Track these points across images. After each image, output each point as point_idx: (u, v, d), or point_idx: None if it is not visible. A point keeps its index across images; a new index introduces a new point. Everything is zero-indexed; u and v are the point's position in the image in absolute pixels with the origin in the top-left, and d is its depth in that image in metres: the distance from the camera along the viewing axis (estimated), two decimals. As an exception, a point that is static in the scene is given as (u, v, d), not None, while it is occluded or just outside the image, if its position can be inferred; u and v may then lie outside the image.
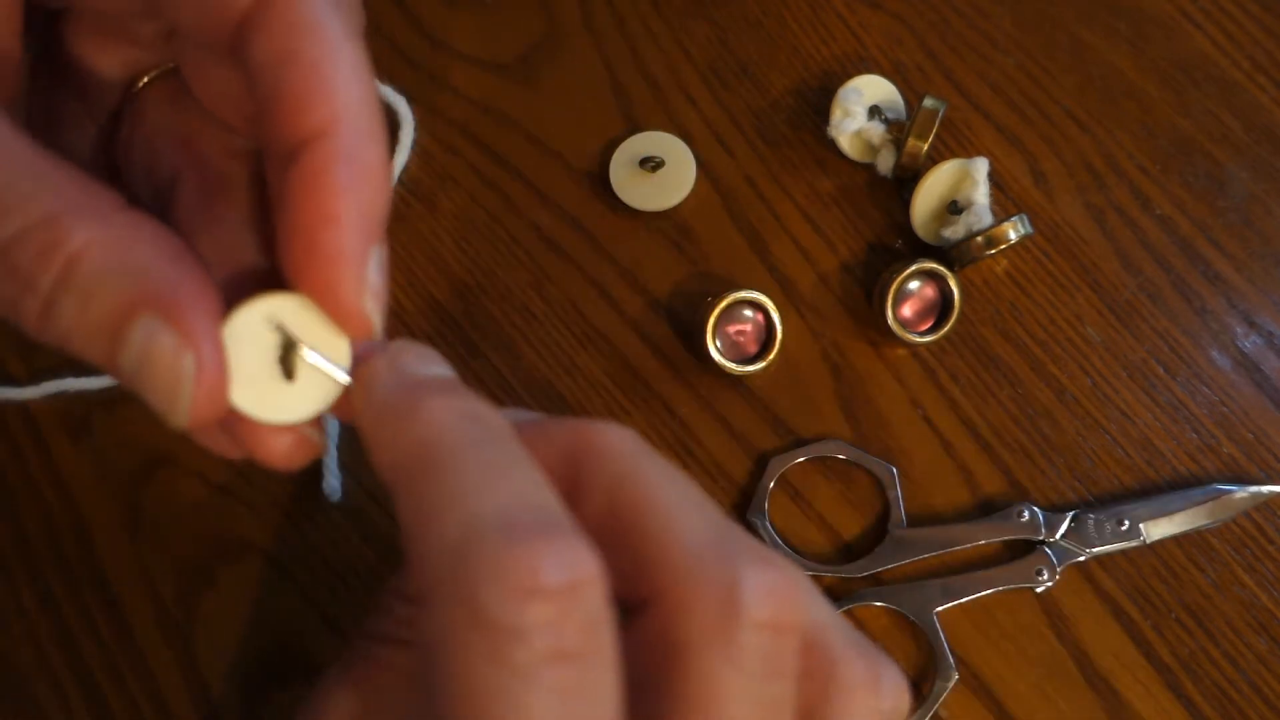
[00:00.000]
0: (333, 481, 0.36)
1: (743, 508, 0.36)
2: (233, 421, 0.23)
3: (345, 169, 0.21)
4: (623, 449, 0.22)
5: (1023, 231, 0.36)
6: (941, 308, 0.37)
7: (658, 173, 0.39)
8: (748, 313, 0.37)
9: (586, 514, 0.21)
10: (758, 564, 0.20)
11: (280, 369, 0.22)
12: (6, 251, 0.20)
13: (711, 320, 0.36)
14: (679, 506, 0.21)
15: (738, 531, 0.21)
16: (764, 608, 0.20)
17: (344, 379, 0.22)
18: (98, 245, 0.20)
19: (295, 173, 0.21)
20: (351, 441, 0.37)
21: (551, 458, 0.22)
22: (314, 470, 0.37)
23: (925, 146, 0.37)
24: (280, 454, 0.23)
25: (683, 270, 0.39)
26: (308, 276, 0.21)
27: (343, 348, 0.22)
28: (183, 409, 0.21)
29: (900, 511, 0.36)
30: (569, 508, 0.20)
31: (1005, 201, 0.39)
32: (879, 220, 0.39)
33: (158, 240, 0.21)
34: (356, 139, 0.21)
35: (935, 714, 0.34)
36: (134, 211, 0.21)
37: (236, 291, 0.22)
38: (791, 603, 0.20)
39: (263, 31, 0.21)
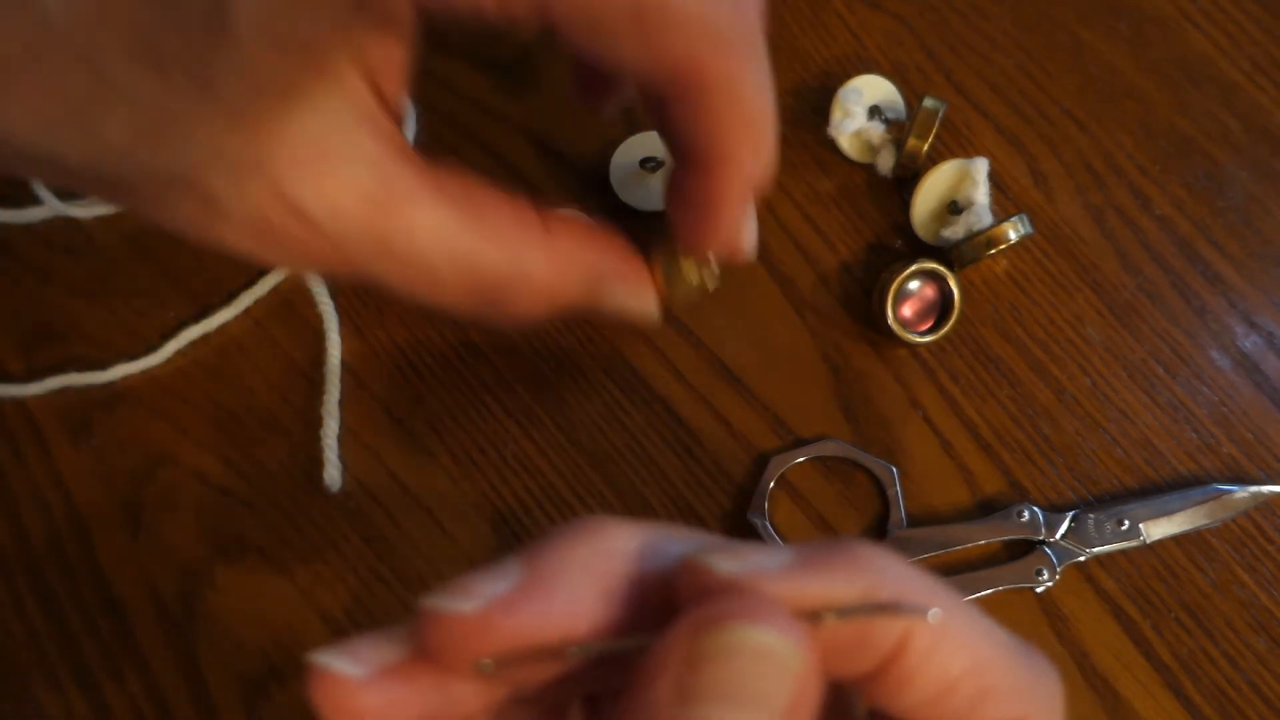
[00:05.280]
0: (333, 472, 0.36)
1: (743, 508, 0.36)
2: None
3: (743, 186, 0.28)
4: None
5: (1023, 231, 0.36)
6: (941, 308, 0.37)
7: (658, 173, 0.39)
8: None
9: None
10: None
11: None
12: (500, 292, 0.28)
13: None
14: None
15: None
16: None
17: None
18: (566, 276, 0.29)
19: (707, 184, 0.28)
20: (351, 436, 0.37)
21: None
22: (314, 467, 0.37)
23: (925, 146, 0.37)
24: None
25: (683, 270, 0.39)
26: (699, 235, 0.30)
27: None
28: (653, 316, 0.32)
29: (900, 511, 0.36)
30: None
31: (1005, 201, 0.39)
32: (879, 220, 0.39)
33: (581, 236, 0.29)
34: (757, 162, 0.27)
35: (935, 714, 0.34)
36: (548, 226, 0.29)
37: None
38: None
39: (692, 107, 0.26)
